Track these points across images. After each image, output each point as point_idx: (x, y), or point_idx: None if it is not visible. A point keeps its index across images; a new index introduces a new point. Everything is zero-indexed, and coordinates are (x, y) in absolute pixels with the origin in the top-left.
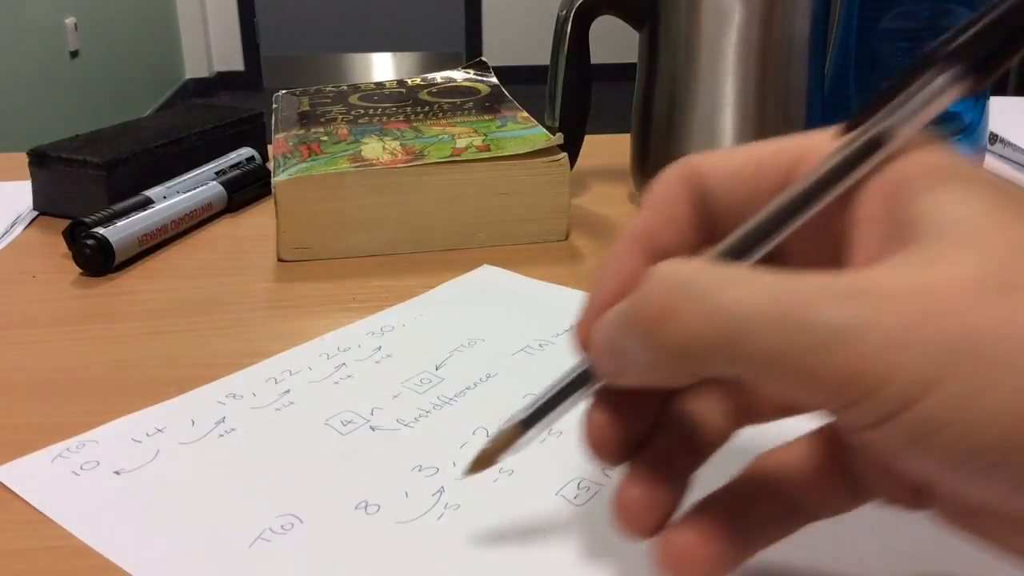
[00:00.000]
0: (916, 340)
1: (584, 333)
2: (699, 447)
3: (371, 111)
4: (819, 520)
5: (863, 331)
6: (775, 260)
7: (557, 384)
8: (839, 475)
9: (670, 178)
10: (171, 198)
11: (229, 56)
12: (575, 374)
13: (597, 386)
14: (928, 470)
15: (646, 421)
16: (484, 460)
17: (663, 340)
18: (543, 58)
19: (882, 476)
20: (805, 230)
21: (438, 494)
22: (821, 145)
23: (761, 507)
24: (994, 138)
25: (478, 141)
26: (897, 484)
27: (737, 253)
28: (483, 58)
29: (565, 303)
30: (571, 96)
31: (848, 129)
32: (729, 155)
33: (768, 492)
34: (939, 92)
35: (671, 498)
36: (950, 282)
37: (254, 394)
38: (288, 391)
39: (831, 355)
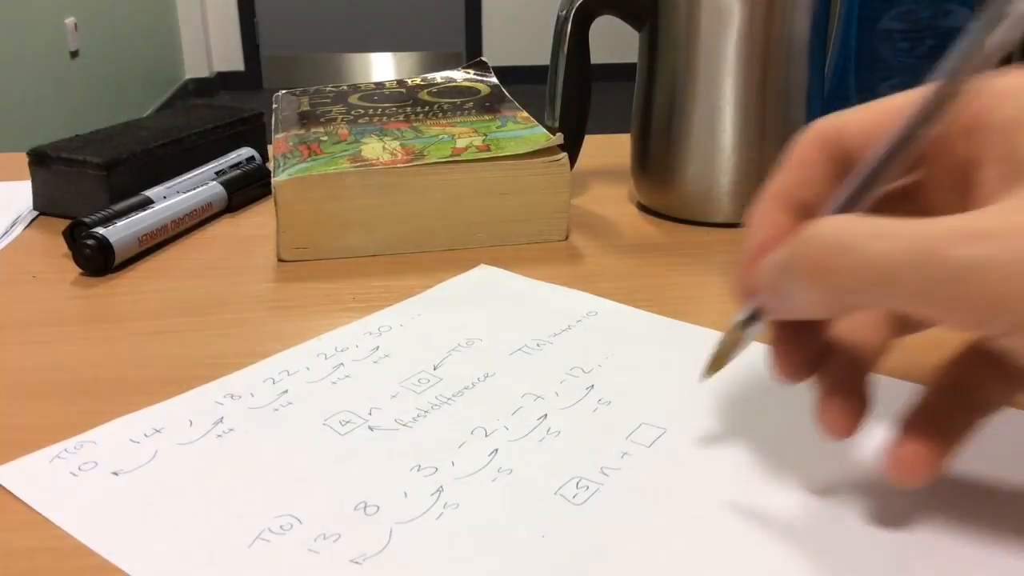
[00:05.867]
0: None
1: (742, 279)
2: (866, 360)
3: (371, 111)
4: (992, 413)
5: (991, 266)
6: (916, 200)
7: (737, 319)
8: (1000, 374)
9: (807, 141)
10: (171, 198)
11: (229, 56)
12: (748, 313)
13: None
14: None
15: (818, 345)
16: (719, 361)
17: (827, 287)
18: (543, 58)
19: None
20: (937, 173)
21: (437, 494)
22: None
23: (953, 411)
24: None
25: (478, 141)
26: None
27: (851, 204)
28: (483, 58)
29: (562, 303)
30: (571, 96)
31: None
32: (862, 113)
33: (954, 394)
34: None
35: (860, 405)
36: None
37: (252, 394)
38: (286, 391)
39: (968, 286)
